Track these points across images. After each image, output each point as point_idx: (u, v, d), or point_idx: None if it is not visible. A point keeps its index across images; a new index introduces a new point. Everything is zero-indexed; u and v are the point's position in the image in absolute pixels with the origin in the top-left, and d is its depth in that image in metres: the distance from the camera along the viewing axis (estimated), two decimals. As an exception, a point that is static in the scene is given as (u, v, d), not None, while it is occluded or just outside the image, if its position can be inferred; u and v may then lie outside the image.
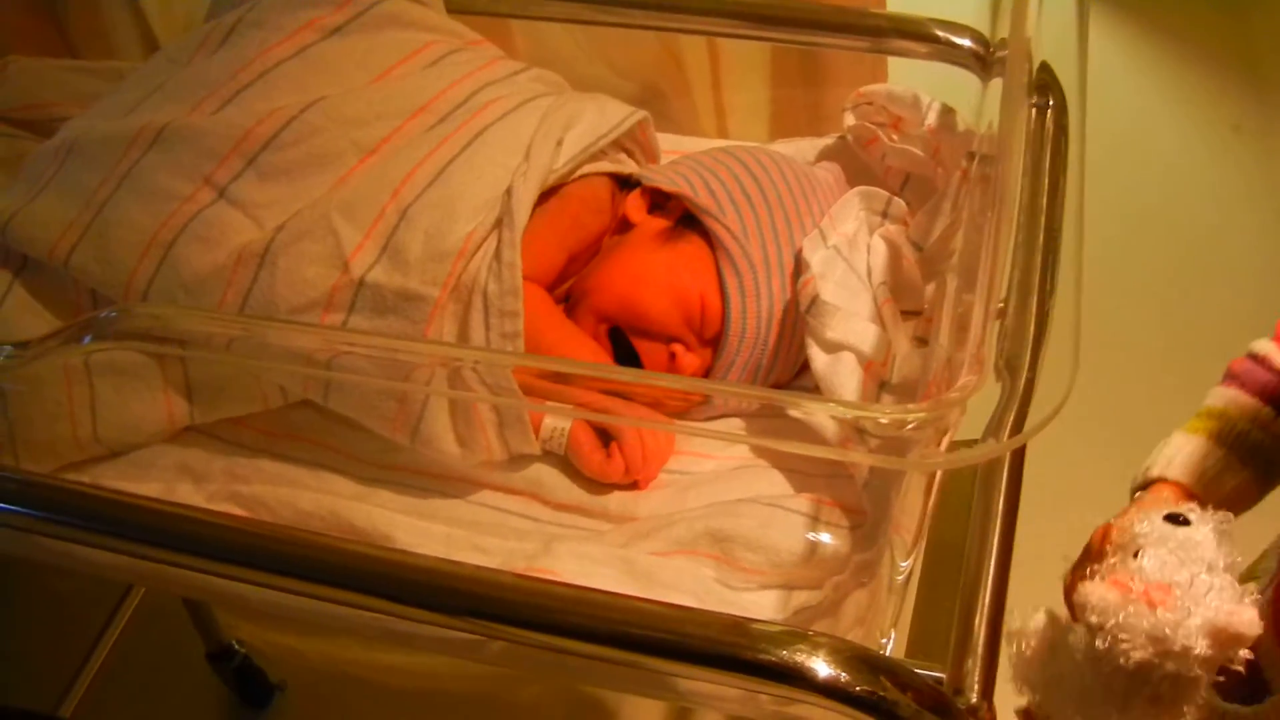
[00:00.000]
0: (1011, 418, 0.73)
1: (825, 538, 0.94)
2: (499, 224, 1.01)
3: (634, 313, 1.08)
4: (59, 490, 0.94)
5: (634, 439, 1.00)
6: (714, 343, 1.09)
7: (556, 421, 1.01)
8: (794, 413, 0.87)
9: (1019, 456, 0.86)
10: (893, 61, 1.36)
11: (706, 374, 1.09)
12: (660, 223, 1.13)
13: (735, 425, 1.10)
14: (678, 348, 1.08)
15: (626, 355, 1.09)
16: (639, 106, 1.18)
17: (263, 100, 1.07)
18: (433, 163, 1.04)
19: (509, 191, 1.02)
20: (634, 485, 1.03)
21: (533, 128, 1.07)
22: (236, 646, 1.83)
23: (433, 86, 1.10)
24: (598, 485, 1.03)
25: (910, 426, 0.71)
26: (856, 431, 0.86)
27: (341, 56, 1.12)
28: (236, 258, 1.01)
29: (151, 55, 1.21)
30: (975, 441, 0.75)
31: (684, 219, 1.12)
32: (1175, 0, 2.90)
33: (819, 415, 0.79)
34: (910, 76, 1.28)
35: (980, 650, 0.79)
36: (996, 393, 0.77)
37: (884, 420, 0.72)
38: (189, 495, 1.03)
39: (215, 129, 1.05)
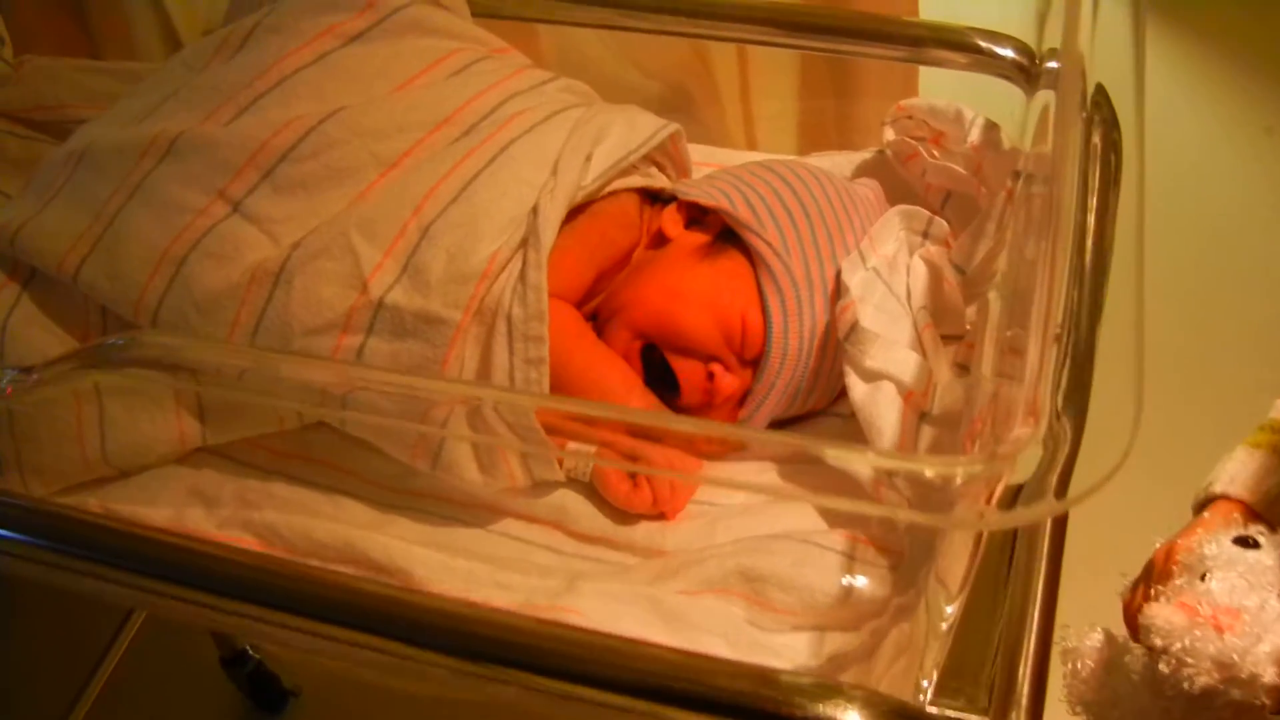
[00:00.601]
0: (1061, 469, 0.69)
1: (861, 580, 0.90)
2: (524, 244, 0.97)
3: (672, 330, 1.04)
4: (64, 519, 0.91)
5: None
6: (754, 363, 1.04)
7: (583, 446, 0.97)
8: (833, 461, 0.83)
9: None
10: (925, 72, 1.32)
11: (745, 397, 1.05)
12: (698, 238, 1.08)
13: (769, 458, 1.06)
14: (716, 367, 1.03)
15: (661, 374, 1.05)
16: (666, 110, 1.14)
17: (280, 109, 1.03)
18: (456, 178, 0.99)
19: (535, 210, 0.98)
20: (661, 516, 0.99)
21: (560, 142, 1.03)
22: (250, 652, 1.80)
23: (457, 97, 1.05)
24: (624, 514, 0.99)
25: (959, 481, 0.67)
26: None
27: (362, 64, 1.07)
28: (251, 276, 0.97)
29: (170, 56, 1.17)
30: (1021, 488, 0.72)
31: (723, 234, 1.08)
32: (1205, 1, 2.84)
33: (857, 464, 0.75)
34: (943, 88, 1.24)
35: (1024, 702, 0.76)
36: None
37: (929, 474, 0.68)
38: (200, 521, 0.99)
39: (230, 140, 1.01)
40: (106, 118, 1.10)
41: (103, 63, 1.34)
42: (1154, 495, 0.95)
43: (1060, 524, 0.83)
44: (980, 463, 0.67)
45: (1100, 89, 1.02)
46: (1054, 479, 0.69)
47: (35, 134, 1.26)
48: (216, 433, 1.02)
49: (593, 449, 0.97)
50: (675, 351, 1.04)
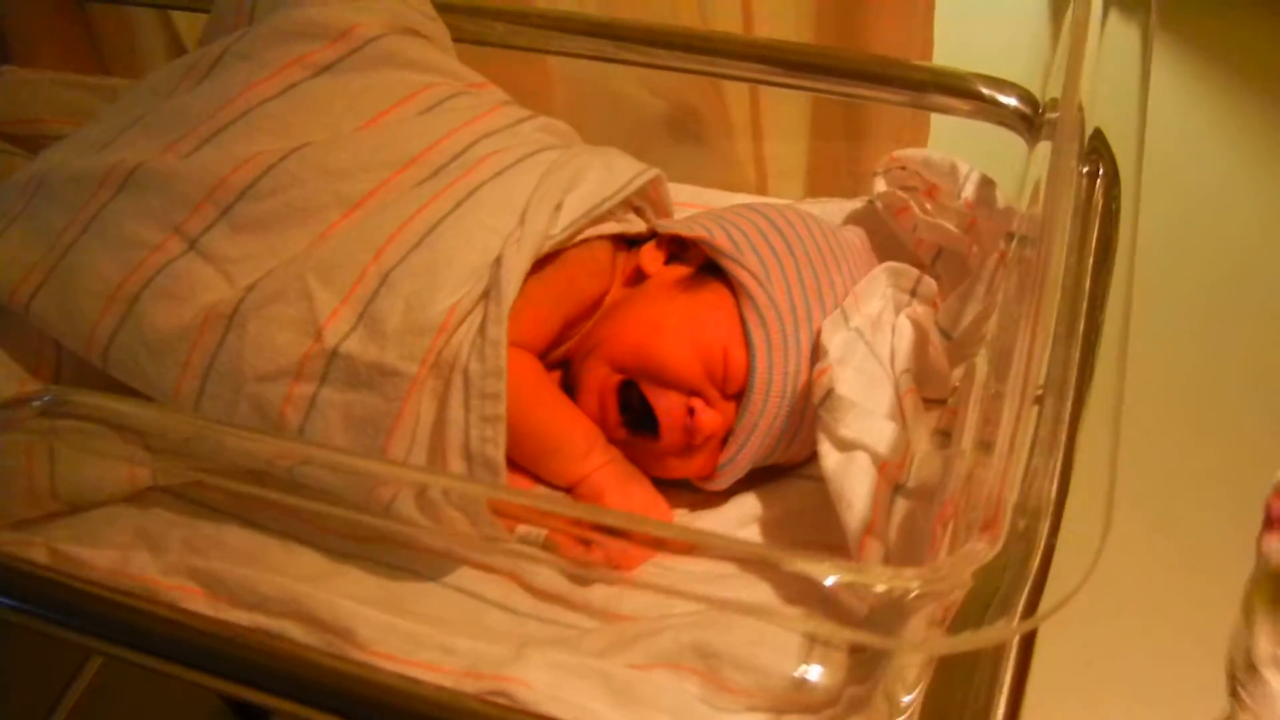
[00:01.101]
0: (1028, 588, 0.64)
1: (818, 667, 0.86)
2: (486, 296, 0.93)
3: (651, 362, 1.00)
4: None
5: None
6: (737, 398, 1.00)
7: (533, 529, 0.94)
8: (788, 568, 0.79)
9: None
10: (937, 119, 1.27)
11: (728, 436, 1.01)
12: (678, 271, 1.05)
13: (750, 503, 1.03)
14: (697, 402, 0.99)
15: (639, 415, 1.01)
16: (673, 133, 1.11)
17: (243, 143, 1.00)
18: (420, 222, 0.96)
19: (499, 260, 0.94)
20: (618, 568, 0.96)
21: (530, 188, 0.99)
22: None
23: (426, 136, 1.02)
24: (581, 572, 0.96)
25: (912, 596, 0.63)
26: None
27: (331, 97, 1.03)
28: (204, 317, 0.93)
29: (136, 81, 1.14)
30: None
31: (705, 267, 1.04)
32: (1229, 24, 2.76)
33: (812, 569, 0.71)
34: (955, 135, 1.19)
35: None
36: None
37: (879, 589, 0.64)
38: (145, 566, 0.95)
39: (189, 173, 0.98)
40: (68, 143, 1.07)
41: (83, 77, 1.31)
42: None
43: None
44: (931, 580, 0.63)
45: (1101, 140, 0.98)
46: (1017, 595, 0.65)
47: (11, 148, 1.23)
48: (166, 474, 0.98)
49: (544, 531, 0.94)
50: (655, 385, 1.00)
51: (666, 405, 1.00)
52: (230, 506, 1.00)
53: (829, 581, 0.68)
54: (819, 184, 1.64)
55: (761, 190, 1.60)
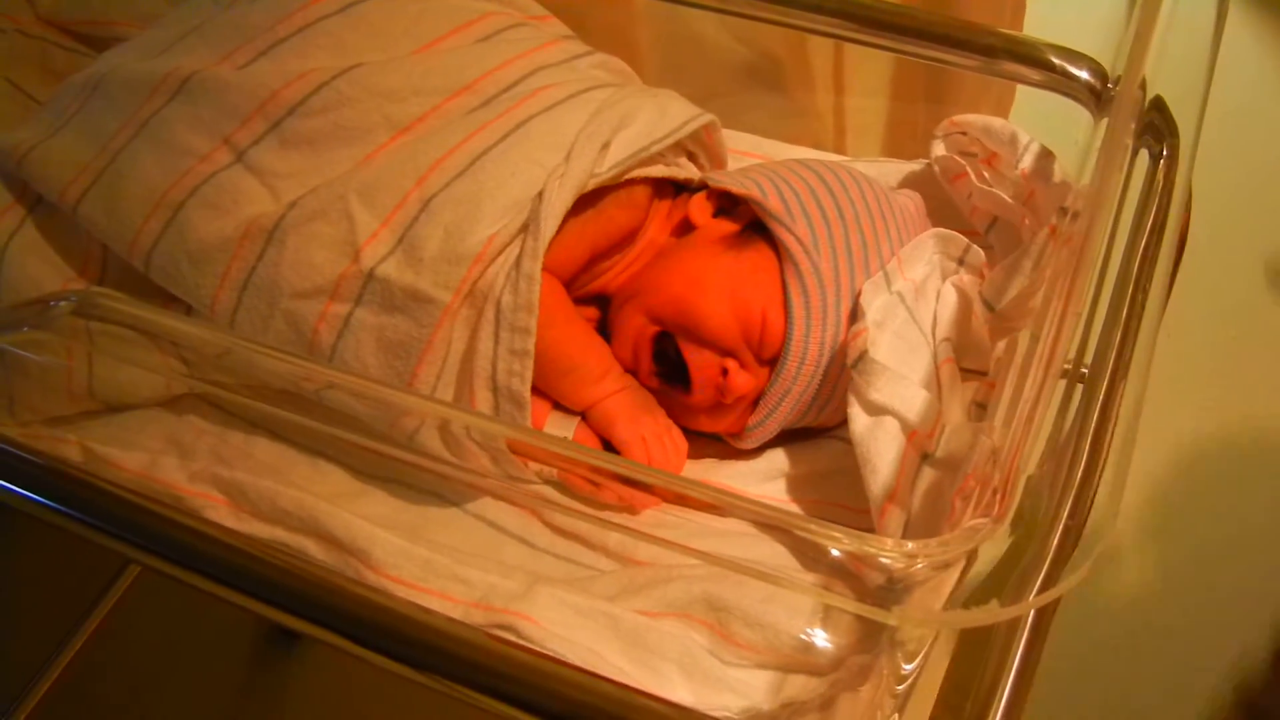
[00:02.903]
0: (1046, 565, 0.63)
1: (826, 630, 0.85)
2: (525, 229, 0.93)
3: (689, 318, 1.00)
4: (26, 461, 0.88)
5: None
6: (771, 363, 1.00)
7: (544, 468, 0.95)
8: (797, 533, 0.78)
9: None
10: (1023, 91, 1.24)
11: (759, 400, 1.01)
12: (726, 226, 1.04)
13: (779, 459, 1.03)
14: (731, 364, 0.99)
15: (673, 367, 1.01)
16: (754, 81, 1.08)
17: (297, 58, 0.99)
18: (466, 150, 0.95)
19: (541, 194, 0.94)
20: (630, 510, 0.97)
21: (579, 124, 0.98)
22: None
23: (480, 64, 1.01)
24: (601, 513, 0.97)
25: (919, 566, 0.63)
26: None
27: (388, 18, 1.03)
28: (245, 230, 0.94)
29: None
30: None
31: (752, 225, 1.03)
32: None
33: (819, 536, 0.71)
34: (1037, 106, 1.16)
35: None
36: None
37: (886, 560, 0.63)
38: (172, 471, 0.97)
39: (241, 85, 0.98)
40: (128, 46, 1.07)
41: (155, -20, 1.31)
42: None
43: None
44: (937, 551, 0.62)
45: (1164, 114, 0.95)
46: (1032, 573, 0.64)
47: (81, 47, 1.24)
48: (196, 385, 0.99)
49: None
50: (690, 341, 1.00)
51: (700, 362, 1.00)
52: (261, 419, 1.01)
53: (834, 552, 0.67)
54: (896, 144, 1.62)
55: (839, 147, 1.58)
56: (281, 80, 0.97)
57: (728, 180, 1.03)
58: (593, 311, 1.08)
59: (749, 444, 1.03)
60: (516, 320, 0.91)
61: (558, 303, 0.99)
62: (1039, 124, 1.13)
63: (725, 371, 0.99)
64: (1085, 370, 0.77)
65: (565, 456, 0.80)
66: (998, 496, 0.64)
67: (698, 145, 1.09)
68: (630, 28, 1.51)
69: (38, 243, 1.01)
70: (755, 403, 1.01)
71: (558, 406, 1.02)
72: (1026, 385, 0.74)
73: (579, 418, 1.01)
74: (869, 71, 1.58)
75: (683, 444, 1.03)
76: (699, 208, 1.05)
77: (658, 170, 1.03)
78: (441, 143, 0.95)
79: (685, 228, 1.06)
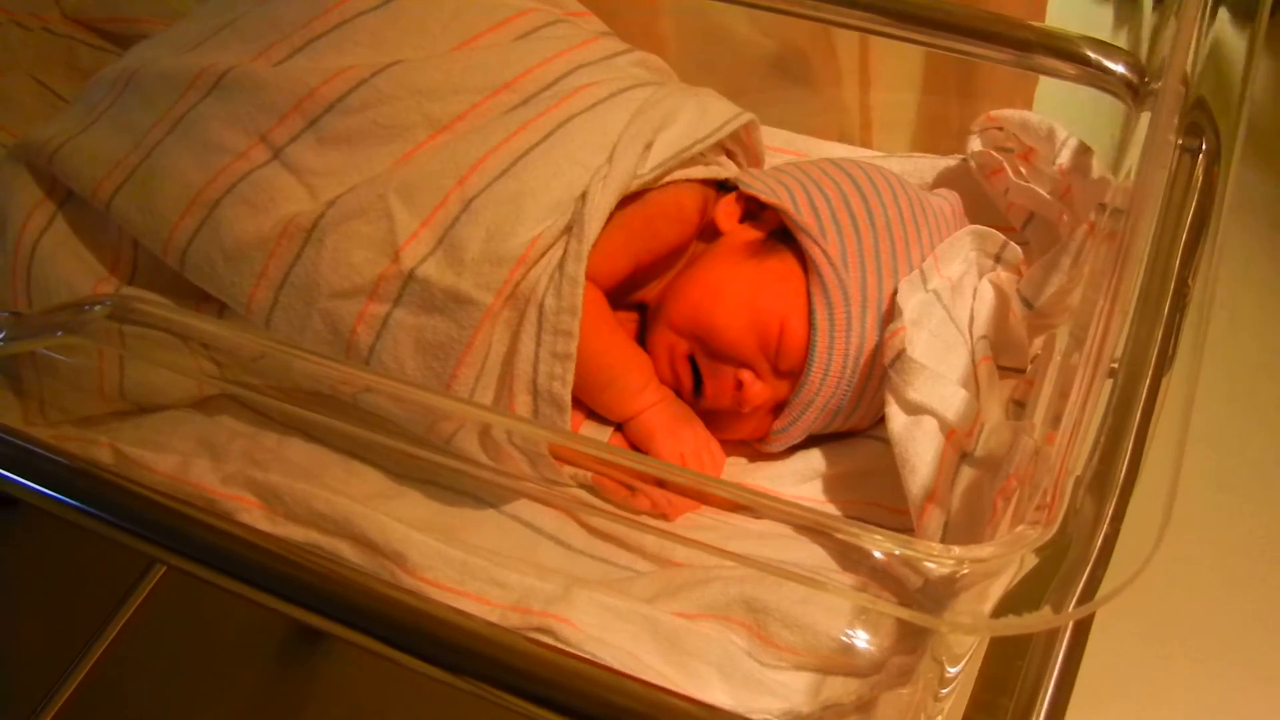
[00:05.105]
0: (1087, 571, 0.62)
1: (867, 631, 0.85)
2: (568, 231, 0.92)
3: (704, 328, 0.99)
4: (58, 464, 0.88)
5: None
6: (790, 375, 0.99)
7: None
8: (842, 537, 0.77)
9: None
10: (1046, 84, 1.23)
11: (779, 410, 1.00)
12: (751, 233, 1.03)
13: (814, 459, 1.02)
14: (746, 375, 0.98)
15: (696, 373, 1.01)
16: (778, 75, 1.07)
17: (335, 54, 0.99)
18: (508, 150, 0.94)
19: (584, 196, 0.93)
20: (663, 517, 0.96)
21: (622, 124, 0.97)
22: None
23: (520, 62, 1.00)
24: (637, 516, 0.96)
25: (963, 573, 0.62)
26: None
27: (427, 15, 1.02)
28: (282, 229, 0.93)
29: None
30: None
31: (778, 232, 1.02)
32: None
33: (862, 539, 0.70)
34: (1061, 98, 1.15)
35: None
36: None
37: (929, 565, 0.63)
38: (205, 474, 0.96)
39: (279, 82, 0.97)
40: (159, 40, 1.06)
41: (182, -22, 1.31)
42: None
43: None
44: (984, 557, 0.62)
45: (1205, 112, 0.94)
46: (1074, 579, 0.63)
47: (108, 45, 1.24)
48: (230, 388, 0.99)
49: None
50: (707, 352, 1.00)
51: (714, 373, 1.00)
52: (294, 421, 1.00)
53: (876, 555, 0.67)
54: (925, 139, 1.60)
55: (865, 141, 1.56)
56: (319, 77, 0.96)
57: (758, 186, 1.02)
58: (632, 315, 1.07)
59: (776, 449, 1.03)
60: (559, 323, 0.90)
61: (599, 313, 0.98)
62: (1059, 118, 1.12)
63: (740, 384, 0.99)
64: (1115, 366, 0.76)
65: (608, 461, 0.79)
66: (1047, 500, 0.63)
67: (736, 144, 1.08)
68: (654, 20, 1.51)
69: (69, 239, 1.00)
70: (777, 410, 1.01)
71: (591, 415, 1.01)
72: (1073, 386, 0.73)
73: (612, 427, 1.01)
74: (897, 66, 1.57)
75: (721, 458, 1.02)
76: (726, 212, 1.04)
77: (698, 171, 1.02)
78: (482, 142, 0.95)
79: (712, 233, 1.05)
